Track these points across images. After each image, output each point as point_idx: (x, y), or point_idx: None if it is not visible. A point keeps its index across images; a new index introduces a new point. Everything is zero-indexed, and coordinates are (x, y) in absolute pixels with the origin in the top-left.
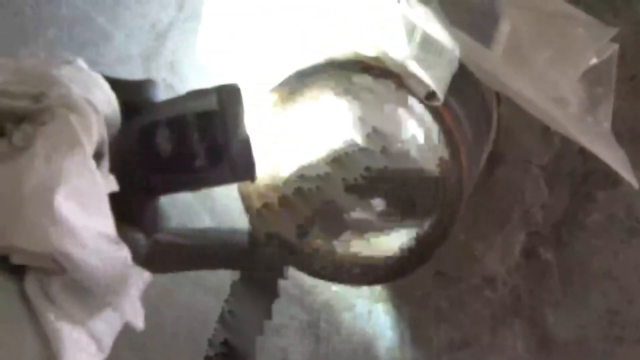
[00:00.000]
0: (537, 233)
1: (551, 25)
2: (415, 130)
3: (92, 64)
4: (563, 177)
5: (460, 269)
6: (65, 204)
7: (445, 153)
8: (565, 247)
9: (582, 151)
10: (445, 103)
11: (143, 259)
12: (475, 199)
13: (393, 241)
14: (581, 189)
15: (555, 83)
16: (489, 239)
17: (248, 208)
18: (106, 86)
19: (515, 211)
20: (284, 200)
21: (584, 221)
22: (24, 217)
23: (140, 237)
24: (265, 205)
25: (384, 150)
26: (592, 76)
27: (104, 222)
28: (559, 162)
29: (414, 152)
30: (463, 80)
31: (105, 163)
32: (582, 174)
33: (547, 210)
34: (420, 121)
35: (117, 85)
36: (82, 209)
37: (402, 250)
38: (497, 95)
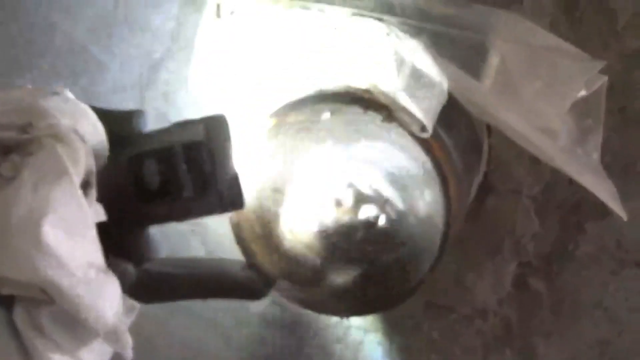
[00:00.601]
0: (528, 263)
1: (540, 58)
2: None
3: (87, 94)
4: (553, 208)
5: (451, 298)
6: (52, 233)
7: (434, 184)
8: (556, 277)
9: (572, 182)
10: (435, 134)
11: (132, 289)
12: (466, 229)
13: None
14: (571, 220)
15: (544, 115)
16: (479, 269)
17: (238, 237)
18: (94, 116)
19: (505, 241)
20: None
21: (574, 252)
22: (12, 247)
23: (129, 267)
24: (254, 235)
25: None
26: (581, 108)
27: (92, 251)
28: (549, 193)
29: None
30: (453, 111)
31: (93, 192)
32: (572, 205)
33: (537, 240)
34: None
35: (104, 115)
36: (69, 238)
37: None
38: (488, 126)
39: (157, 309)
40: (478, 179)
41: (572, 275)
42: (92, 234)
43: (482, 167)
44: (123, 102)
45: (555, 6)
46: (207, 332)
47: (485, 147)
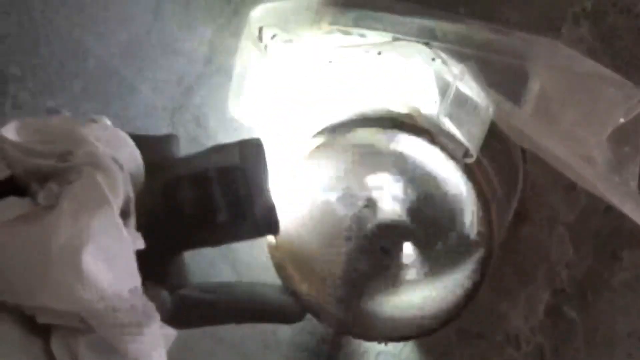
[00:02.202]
0: (562, 291)
1: (581, 85)
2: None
3: (118, 118)
4: (589, 235)
5: (483, 325)
6: (93, 263)
7: (476, 210)
8: (591, 306)
9: (608, 210)
10: (476, 160)
11: (168, 316)
12: (499, 256)
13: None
14: (607, 248)
15: (584, 141)
16: (513, 296)
17: (275, 260)
18: (131, 144)
19: (540, 269)
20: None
21: (609, 280)
22: (52, 277)
23: (165, 294)
24: (291, 258)
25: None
26: (619, 135)
27: (132, 281)
28: (584, 221)
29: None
30: (492, 137)
31: (132, 221)
32: (607, 233)
33: (572, 268)
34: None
35: (138, 141)
36: (109, 268)
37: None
38: (523, 153)
39: (184, 334)
40: (514, 205)
41: (607, 303)
42: (132, 263)
43: (518, 194)
44: (154, 126)
45: (593, 35)
46: (232, 357)
47: (521, 174)
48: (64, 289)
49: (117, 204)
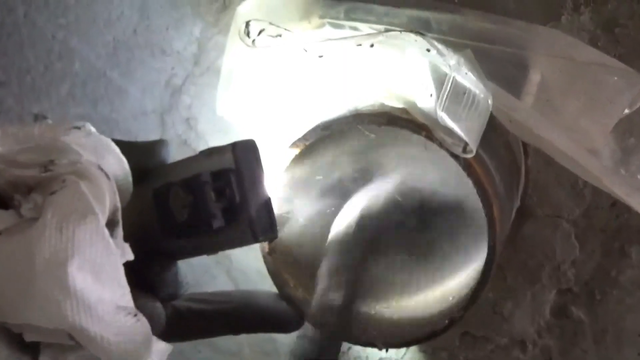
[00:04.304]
0: (569, 291)
1: (583, 74)
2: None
3: (106, 121)
4: (595, 232)
5: (488, 328)
6: (79, 277)
7: (477, 208)
8: (598, 305)
9: (615, 205)
10: (476, 155)
11: (162, 329)
12: (503, 255)
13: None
14: (614, 245)
15: (587, 133)
16: (517, 297)
17: (269, 266)
18: (117, 150)
19: (545, 268)
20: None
21: (617, 278)
22: (37, 293)
23: (158, 306)
24: (286, 264)
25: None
26: (624, 127)
27: (121, 294)
28: (590, 217)
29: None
30: (491, 131)
31: (120, 231)
32: (614, 229)
33: (578, 267)
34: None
35: (126, 147)
36: (97, 281)
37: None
38: (525, 146)
39: (182, 344)
40: (517, 202)
41: (616, 302)
42: (120, 276)
43: (520, 191)
44: (144, 129)
45: (594, 23)
46: None
47: (523, 170)
48: (50, 305)
49: (103, 213)
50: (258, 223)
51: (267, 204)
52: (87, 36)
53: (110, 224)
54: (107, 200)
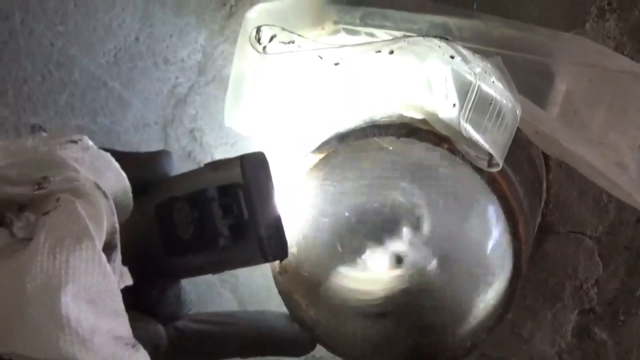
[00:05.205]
0: (591, 311)
1: (612, 83)
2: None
3: (107, 132)
4: (619, 249)
5: (506, 350)
6: (73, 306)
7: (502, 225)
8: (622, 326)
9: None
10: (501, 170)
11: (164, 353)
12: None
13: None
14: (639, 263)
15: (615, 146)
16: (538, 317)
17: (280, 286)
18: (116, 165)
19: (566, 287)
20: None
21: None
22: (28, 321)
23: (160, 329)
24: (297, 284)
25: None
26: None
27: (118, 323)
28: (614, 234)
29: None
30: (513, 144)
31: (118, 255)
32: (639, 246)
33: (601, 286)
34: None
35: (127, 159)
36: (92, 310)
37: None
38: (546, 160)
39: None
40: (538, 219)
41: None
42: (118, 304)
43: (542, 206)
44: (146, 141)
45: (620, 30)
46: None
47: (544, 185)
48: (41, 335)
49: (100, 237)
50: (267, 242)
51: (278, 221)
52: (87, 44)
53: (108, 248)
54: (104, 222)
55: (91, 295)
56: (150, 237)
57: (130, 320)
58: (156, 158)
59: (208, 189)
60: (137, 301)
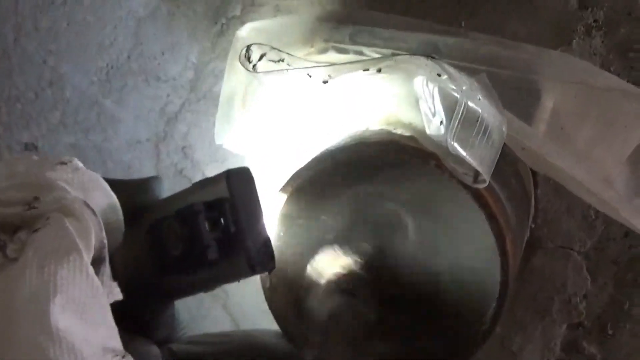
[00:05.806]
0: (580, 325)
1: (598, 100)
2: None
3: (99, 150)
4: (607, 264)
5: None
6: (62, 317)
7: (489, 241)
8: (611, 340)
9: (628, 236)
10: (487, 185)
11: None
12: (511, 288)
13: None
14: (627, 277)
15: (602, 161)
16: (527, 331)
17: (271, 302)
18: (105, 186)
19: (555, 301)
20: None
21: (630, 311)
22: (17, 333)
23: (153, 349)
24: (287, 299)
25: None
26: (637, 155)
27: (108, 335)
28: (602, 248)
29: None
30: (500, 159)
31: (107, 269)
32: (627, 260)
33: (590, 300)
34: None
35: (119, 187)
36: (81, 321)
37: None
38: (534, 176)
39: None
40: (526, 234)
41: (629, 336)
42: (107, 315)
43: (530, 222)
44: (137, 158)
45: (606, 47)
46: None
47: (532, 200)
48: (30, 346)
49: (88, 251)
50: (255, 253)
51: (264, 233)
52: (79, 62)
53: (97, 262)
54: (92, 237)
55: (80, 306)
56: (143, 259)
57: (127, 340)
58: (147, 183)
59: (195, 204)
60: (131, 323)
